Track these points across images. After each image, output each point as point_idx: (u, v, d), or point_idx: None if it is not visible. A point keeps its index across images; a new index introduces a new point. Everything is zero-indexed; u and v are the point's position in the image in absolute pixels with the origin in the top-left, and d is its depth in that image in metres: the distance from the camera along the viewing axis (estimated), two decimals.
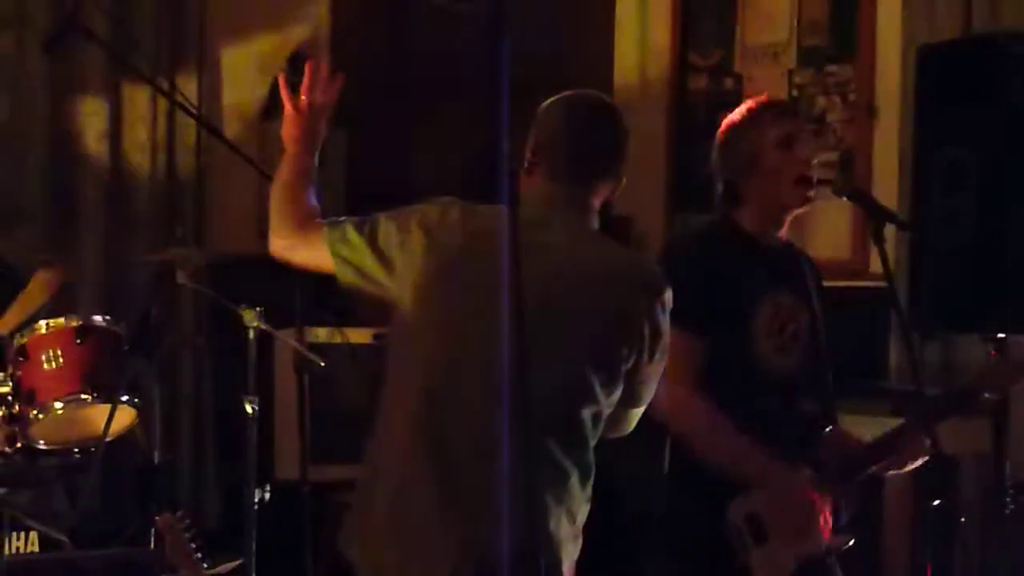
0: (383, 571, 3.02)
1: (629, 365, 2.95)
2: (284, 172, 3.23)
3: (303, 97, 3.21)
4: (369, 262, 3.00)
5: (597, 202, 3.08)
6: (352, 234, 3.01)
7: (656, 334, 2.99)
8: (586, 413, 2.92)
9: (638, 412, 3.14)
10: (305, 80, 3.20)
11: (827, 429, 3.77)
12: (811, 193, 3.67)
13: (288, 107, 3.22)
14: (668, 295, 3.04)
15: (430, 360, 2.94)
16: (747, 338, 3.62)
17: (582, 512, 3.03)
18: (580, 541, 3.02)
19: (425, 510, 2.91)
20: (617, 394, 2.96)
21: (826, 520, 3.63)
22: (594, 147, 3.09)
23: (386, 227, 3.01)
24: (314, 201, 3.20)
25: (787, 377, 3.68)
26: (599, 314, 2.94)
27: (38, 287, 5.07)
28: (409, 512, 2.94)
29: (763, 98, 3.87)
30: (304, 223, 3.13)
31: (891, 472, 3.72)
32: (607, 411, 2.96)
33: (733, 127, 3.76)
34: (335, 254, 3.02)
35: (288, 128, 3.27)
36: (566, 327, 2.86)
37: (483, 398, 2.81)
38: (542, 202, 3.00)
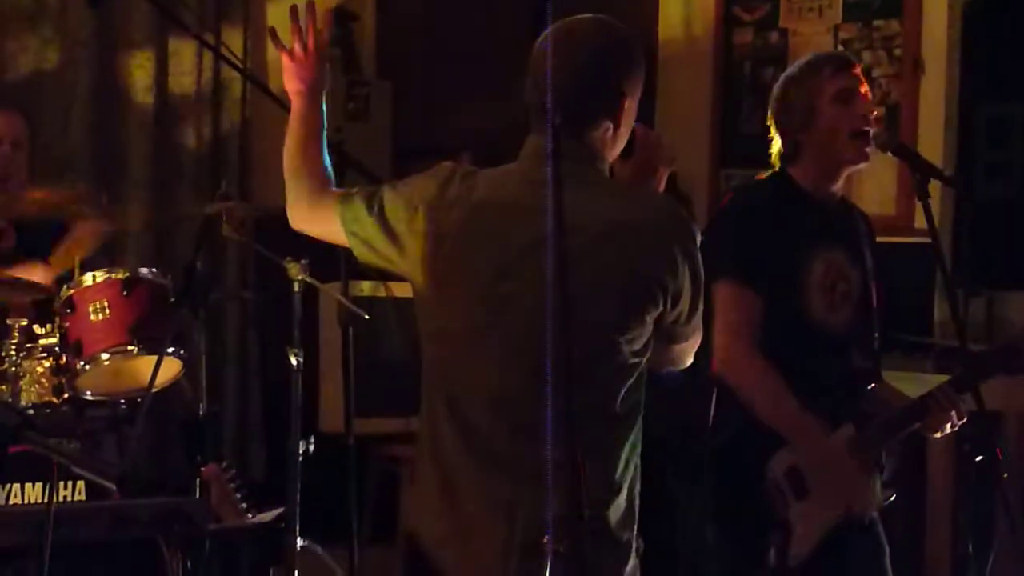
0: (437, 545, 3.01)
1: (660, 311, 2.86)
2: (293, 132, 3.22)
3: (295, 45, 3.11)
4: (380, 241, 2.97)
5: (601, 146, 2.92)
6: (363, 212, 2.98)
7: (690, 276, 2.88)
8: (617, 369, 2.87)
9: (686, 347, 3.05)
10: (292, 25, 3.11)
11: (872, 385, 3.77)
12: (868, 148, 3.66)
13: (284, 58, 3.16)
14: (695, 236, 2.92)
15: (451, 337, 2.93)
16: (799, 294, 3.62)
17: (625, 469, 2.98)
18: (626, 496, 2.97)
19: (468, 484, 2.91)
20: (646, 344, 2.88)
21: (868, 481, 3.64)
22: (561, 91, 2.75)
23: (393, 204, 2.95)
24: (327, 162, 3.19)
25: (836, 333, 3.68)
26: (625, 265, 2.85)
27: (84, 235, 5.09)
28: (455, 487, 2.93)
29: (821, 52, 3.86)
30: (318, 197, 3.12)
31: (934, 432, 3.72)
32: (639, 360, 2.89)
33: (791, 81, 3.76)
34: (349, 232, 3.00)
35: (289, 81, 3.22)
36: (592, 285, 2.75)
37: (511, 370, 2.82)
38: (540, 160, 2.78)
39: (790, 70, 3.82)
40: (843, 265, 3.71)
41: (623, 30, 2.99)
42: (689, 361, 3.09)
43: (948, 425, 3.63)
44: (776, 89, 3.78)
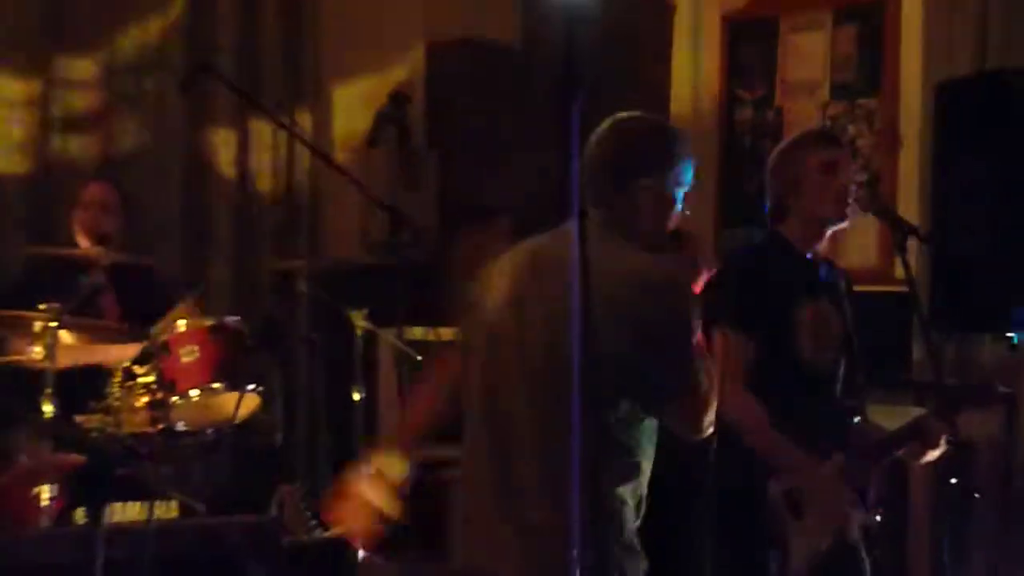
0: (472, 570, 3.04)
1: (651, 350, 2.80)
2: None
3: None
4: None
5: (622, 215, 3.00)
6: None
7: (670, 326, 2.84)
8: (624, 403, 2.82)
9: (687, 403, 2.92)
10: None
11: (856, 419, 3.76)
12: (848, 211, 3.67)
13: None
14: (669, 306, 2.87)
15: (481, 375, 2.95)
16: (791, 338, 3.62)
17: (629, 488, 2.93)
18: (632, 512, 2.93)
19: (487, 507, 2.92)
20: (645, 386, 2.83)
21: (856, 503, 3.62)
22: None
23: None
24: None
25: (824, 372, 3.67)
26: (631, 313, 2.81)
27: (181, 312, 5.11)
28: (478, 510, 2.97)
29: (810, 128, 3.88)
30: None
31: (915, 459, 3.71)
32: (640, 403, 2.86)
33: (782, 153, 3.78)
34: None
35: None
36: (604, 323, 2.77)
37: (530, 402, 2.83)
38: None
39: (782, 144, 3.85)
40: (828, 312, 3.70)
41: (643, 124, 3.19)
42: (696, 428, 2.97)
43: (930, 452, 3.62)
44: (770, 160, 3.80)
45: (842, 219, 3.71)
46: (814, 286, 3.70)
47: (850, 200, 3.68)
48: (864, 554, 3.69)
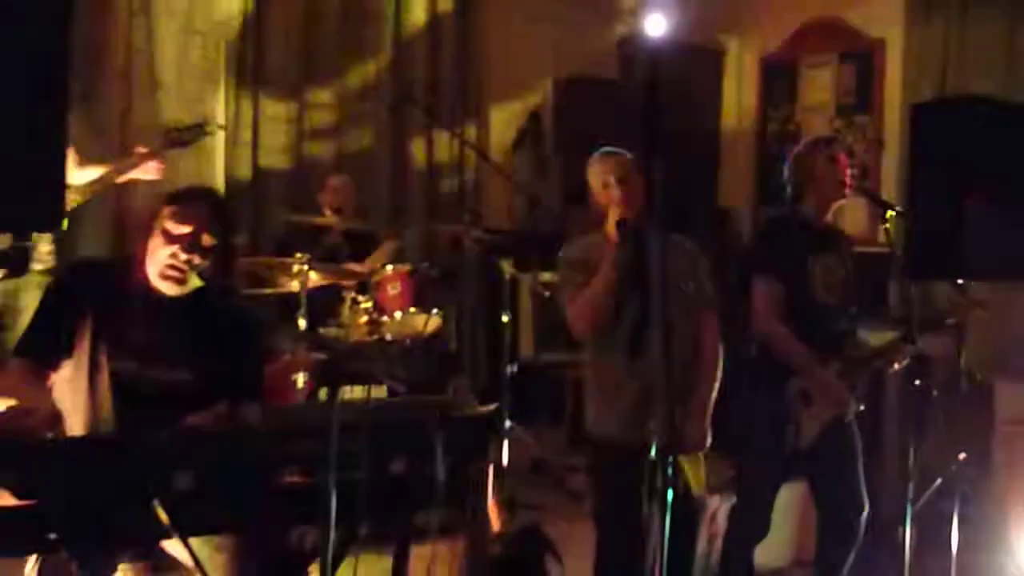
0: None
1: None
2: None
3: None
4: None
5: None
6: None
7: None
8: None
9: None
10: None
11: (852, 338, 3.70)
12: (847, 191, 3.62)
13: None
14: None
15: None
16: (807, 282, 3.57)
17: None
18: None
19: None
20: None
21: (848, 395, 3.59)
22: None
23: None
24: None
25: (831, 308, 3.62)
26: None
27: (387, 248, 5.19)
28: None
29: (819, 135, 3.84)
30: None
31: (890, 367, 3.67)
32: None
33: (800, 152, 3.72)
34: None
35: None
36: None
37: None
38: None
39: (799, 146, 3.79)
40: (834, 264, 3.64)
41: None
42: None
43: (899, 363, 3.59)
44: (791, 157, 3.74)
45: (842, 199, 3.66)
46: (823, 246, 3.64)
47: (848, 186, 3.63)
48: (855, 430, 3.66)
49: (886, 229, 3.59)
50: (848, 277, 3.69)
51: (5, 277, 3.98)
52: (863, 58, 6.20)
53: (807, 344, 3.51)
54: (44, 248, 4.07)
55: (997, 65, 5.43)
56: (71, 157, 4.23)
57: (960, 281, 4.32)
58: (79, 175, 4.12)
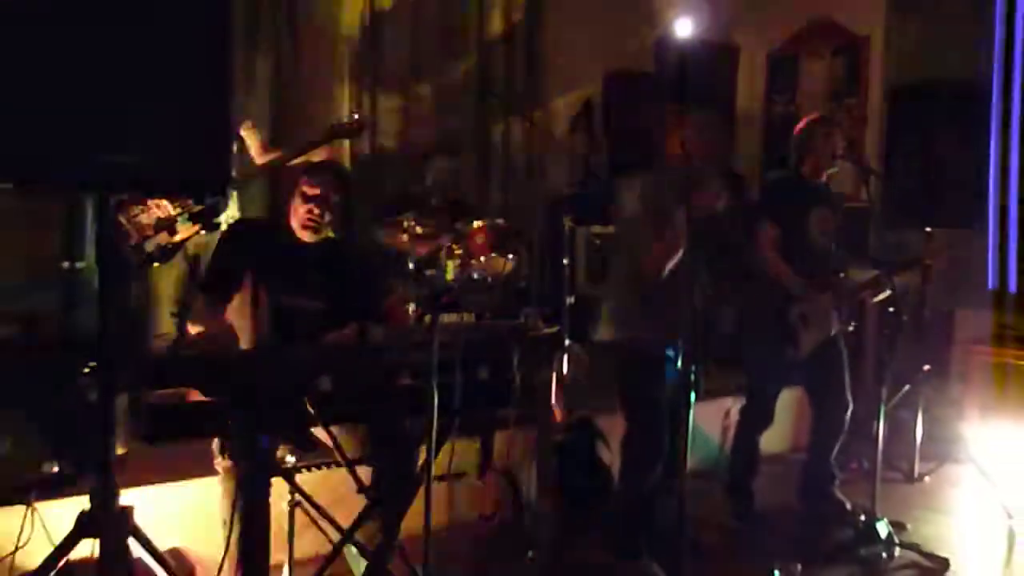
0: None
1: None
2: None
3: None
4: None
5: None
6: None
7: None
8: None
9: None
10: None
11: (841, 274, 3.63)
12: (837, 160, 3.53)
13: None
14: None
15: None
16: (806, 228, 3.51)
17: None
18: None
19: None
20: None
21: (837, 318, 3.53)
22: None
23: None
24: None
25: (824, 249, 3.56)
26: None
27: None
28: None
29: (814, 115, 3.76)
30: None
31: (872, 298, 3.60)
32: None
33: (800, 129, 3.63)
34: None
35: None
36: None
37: None
38: None
39: (800, 124, 3.68)
40: (826, 215, 3.57)
41: None
42: None
43: (880, 294, 3.52)
44: (794, 133, 3.65)
45: (833, 166, 3.57)
46: (818, 200, 3.57)
47: (838, 156, 3.53)
48: (842, 345, 3.60)
49: (868, 189, 3.50)
50: (838, 225, 3.61)
51: (199, 231, 4.07)
52: (851, 52, 6.00)
53: (806, 278, 3.46)
54: (231, 210, 4.13)
55: (962, 54, 5.22)
56: (256, 145, 4.34)
57: (928, 229, 4.20)
58: (261, 158, 4.20)
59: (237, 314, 2.64)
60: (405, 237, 4.41)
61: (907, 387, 4.24)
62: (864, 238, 5.25)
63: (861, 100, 5.89)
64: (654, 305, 2.97)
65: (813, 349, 3.50)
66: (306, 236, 2.71)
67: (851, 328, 3.65)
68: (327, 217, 2.70)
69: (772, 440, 4.47)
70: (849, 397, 3.63)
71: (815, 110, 6.05)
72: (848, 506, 3.64)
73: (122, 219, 3.67)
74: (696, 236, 2.64)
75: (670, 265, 2.94)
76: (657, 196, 2.98)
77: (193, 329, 2.47)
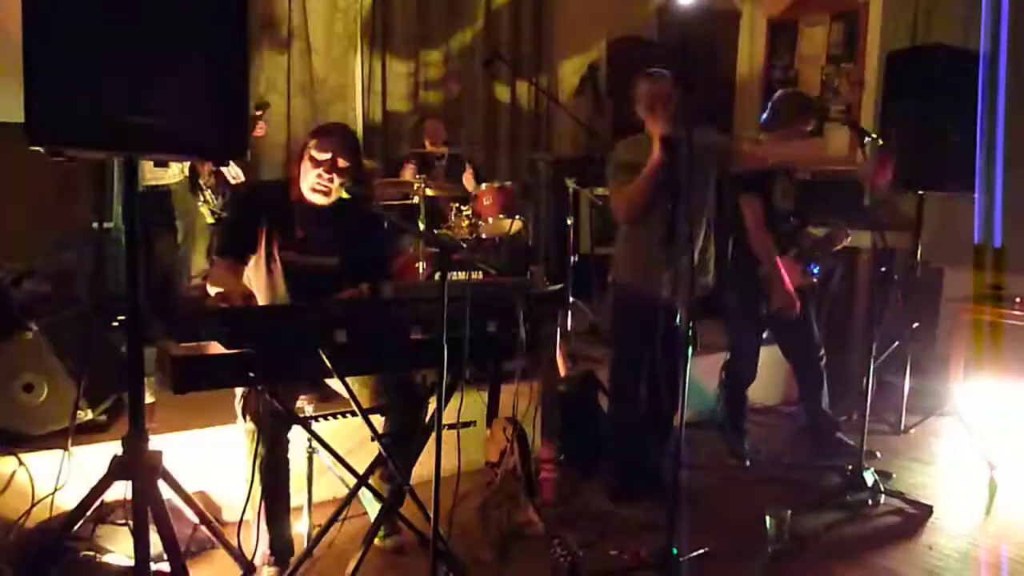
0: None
1: None
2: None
3: None
4: None
5: None
6: None
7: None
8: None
9: None
10: None
11: (803, 231, 3.68)
12: (810, 127, 3.58)
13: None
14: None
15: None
16: (771, 196, 3.53)
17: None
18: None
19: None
20: None
21: (804, 273, 3.57)
22: None
23: None
24: None
25: (787, 211, 3.59)
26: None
27: (468, 174, 5.13)
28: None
29: (792, 91, 3.79)
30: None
31: (834, 247, 3.68)
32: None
33: (775, 99, 3.68)
34: None
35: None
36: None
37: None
38: None
39: (777, 94, 3.74)
40: (787, 184, 3.58)
41: None
42: None
43: (837, 246, 3.63)
44: (770, 102, 3.69)
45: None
46: (780, 170, 3.58)
47: (805, 133, 3.57)
48: (808, 297, 3.64)
49: (863, 151, 3.47)
50: (795, 192, 3.62)
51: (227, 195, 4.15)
52: (850, 16, 5.90)
53: (775, 236, 3.49)
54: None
55: (957, 20, 5.13)
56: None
57: (921, 192, 4.17)
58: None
59: (253, 274, 2.66)
60: (416, 198, 4.39)
61: (896, 344, 4.26)
62: (860, 196, 5.25)
63: (859, 64, 5.82)
64: (651, 257, 2.99)
65: (782, 304, 3.52)
66: (316, 199, 2.63)
67: (815, 280, 3.68)
68: (336, 181, 2.61)
69: (764, 393, 4.52)
70: (819, 345, 3.67)
71: (813, 75, 6.01)
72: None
73: (223, 169, 4.13)
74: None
75: (631, 216, 3.05)
76: (623, 153, 3.11)
77: (212, 290, 2.50)
